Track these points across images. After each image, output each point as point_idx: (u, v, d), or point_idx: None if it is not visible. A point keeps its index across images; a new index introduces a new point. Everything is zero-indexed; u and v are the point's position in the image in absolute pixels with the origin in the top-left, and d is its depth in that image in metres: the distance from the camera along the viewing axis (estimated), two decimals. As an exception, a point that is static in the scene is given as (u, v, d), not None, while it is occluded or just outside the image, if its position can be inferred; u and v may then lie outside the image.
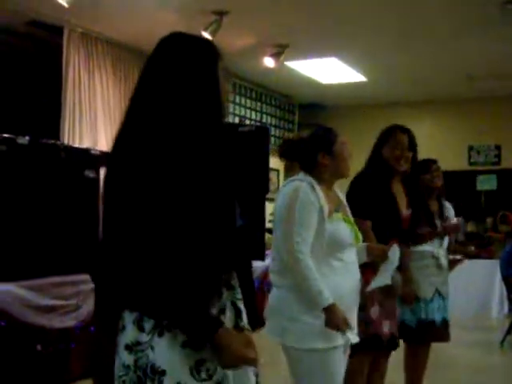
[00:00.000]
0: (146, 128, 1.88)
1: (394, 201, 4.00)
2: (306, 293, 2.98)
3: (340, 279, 3.07)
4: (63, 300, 5.41)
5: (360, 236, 3.27)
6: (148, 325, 1.82)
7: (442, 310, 4.59)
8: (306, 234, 3.00)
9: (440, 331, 4.58)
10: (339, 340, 3.04)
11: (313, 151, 3.22)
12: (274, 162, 10.52)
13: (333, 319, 2.94)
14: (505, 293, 8.33)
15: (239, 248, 2.04)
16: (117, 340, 1.93)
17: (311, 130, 3.35)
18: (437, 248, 4.62)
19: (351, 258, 3.18)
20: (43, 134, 6.18)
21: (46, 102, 7.92)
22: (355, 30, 7.93)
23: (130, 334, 1.85)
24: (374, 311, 3.77)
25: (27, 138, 5.55)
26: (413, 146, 4.08)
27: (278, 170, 11.35)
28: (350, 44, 8.53)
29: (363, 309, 3.67)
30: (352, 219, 3.29)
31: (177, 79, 1.92)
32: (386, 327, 3.84)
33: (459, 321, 8.96)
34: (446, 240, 4.73)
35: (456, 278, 9.66)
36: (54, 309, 5.33)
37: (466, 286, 9.69)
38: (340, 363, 3.11)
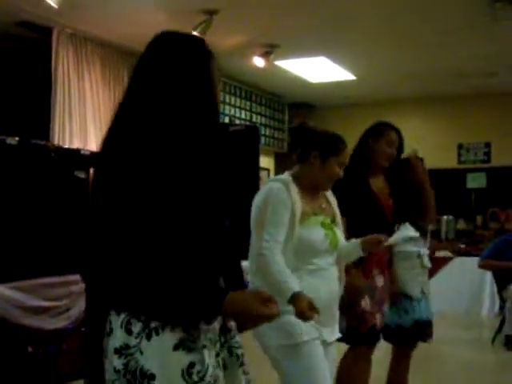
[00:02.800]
0: (139, 129, 1.86)
1: (374, 195, 3.97)
2: (274, 286, 2.86)
3: (315, 282, 3.02)
4: (54, 301, 5.40)
5: (339, 243, 3.18)
6: (136, 328, 1.81)
7: (427, 309, 4.54)
8: (275, 232, 2.95)
9: (429, 330, 4.54)
10: (313, 333, 3.01)
11: (311, 145, 3.16)
12: (264, 161, 10.54)
13: (298, 306, 2.81)
14: (495, 290, 8.35)
15: (226, 248, 2.04)
16: (104, 343, 1.92)
17: (326, 129, 3.29)
18: (422, 247, 4.60)
19: (327, 264, 3.11)
20: (33, 134, 6.15)
21: (35, 103, 7.89)
22: (344, 29, 7.94)
23: (118, 338, 1.84)
24: (366, 303, 3.79)
25: (17, 138, 5.53)
26: (400, 145, 4.14)
27: (268, 169, 11.36)
28: (339, 43, 8.54)
29: (353, 305, 3.70)
30: (338, 224, 3.22)
31: (170, 80, 1.91)
32: (378, 320, 3.87)
33: (450, 318, 9.01)
34: (429, 238, 4.72)
35: (446, 275, 9.82)
36: (44, 310, 5.31)
37: (457, 284, 9.73)
38: (320, 356, 3.03)
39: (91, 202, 1.89)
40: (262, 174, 9.98)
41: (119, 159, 1.84)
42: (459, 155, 11.80)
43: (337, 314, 3.23)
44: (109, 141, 1.92)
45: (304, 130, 3.25)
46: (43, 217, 5.59)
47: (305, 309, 2.80)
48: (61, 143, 7.39)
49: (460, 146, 11.78)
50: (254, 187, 7.96)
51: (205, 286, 1.82)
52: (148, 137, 1.84)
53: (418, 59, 9.28)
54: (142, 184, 1.79)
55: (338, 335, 3.23)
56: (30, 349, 5.16)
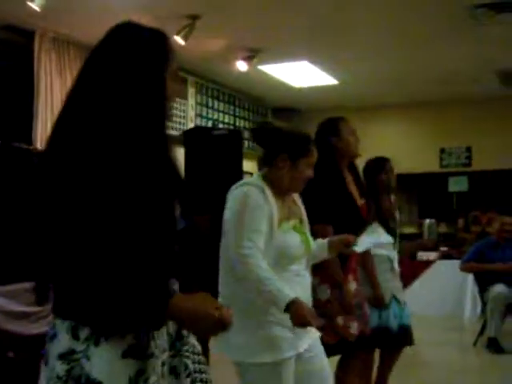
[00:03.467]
0: (82, 127, 1.75)
1: (351, 197, 3.93)
2: (265, 294, 2.73)
3: (294, 289, 2.82)
4: (36, 306, 5.37)
5: (312, 247, 3.07)
6: (83, 333, 1.72)
7: (399, 317, 4.47)
8: (256, 238, 2.77)
9: (396, 338, 4.46)
10: (289, 351, 2.85)
11: (278, 147, 2.98)
12: (248, 166, 10.54)
13: (299, 314, 2.67)
14: (477, 293, 8.41)
15: (182, 252, 1.92)
16: (45, 348, 1.82)
17: (293, 129, 3.13)
18: (391, 251, 4.58)
19: (301, 270, 2.98)
20: (15, 138, 6.12)
21: (18, 106, 7.85)
22: (326, 34, 7.96)
23: (62, 343, 1.74)
24: (341, 319, 3.73)
25: (-1, 142, 5.52)
26: None
27: (251, 174, 11.36)
28: (321, 47, 8.56)
29: (330, 318, 3.65)
30: (306, 227, 3.08)
31: (118, 74, 1.80)
32: (354, 329, 3.77)
33: (432, 321, 9.06)
34: (397, 241, 4.70)
35: (428, 278, 9.88)
36: (26, 315, 5.28)
37: (439, 287, 9.79)
38: (290, 376, 2.87)
39: (34, 205, 1.82)
40: (246, 178, 9.98)
41: (63, 159, 1.75)
42: (441, 159, 11.86)
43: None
44: (53, 138, 1.84)
45: (268, 130, 3.08)
46: (25, 221, 5.55)
47: (308, 317, 2.68)
48: (43, 147, 7.36)
49: (442, 151, 11.83)
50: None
51: (149, 290, 1.71)
52: (94, 135, 1.74)
53: (401, 64, 9.32)
54: (86, 186, 1.69)
55: (307, 345, 3.00)
56: (11, 354, 5.12)
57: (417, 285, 9.58)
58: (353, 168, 4.11)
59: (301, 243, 2.97)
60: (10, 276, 5.32)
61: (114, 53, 1.84)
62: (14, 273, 5.37)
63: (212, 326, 1.73)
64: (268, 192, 2.89)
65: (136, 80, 1.81)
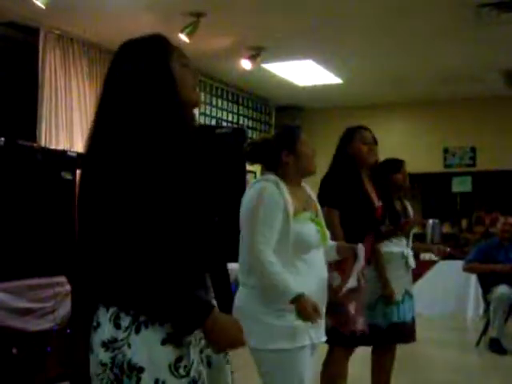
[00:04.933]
0: (114, 131, 1.91)
1: (366, 192, 4.10)
2: (273, 288, 2.95)
3: (303, 280, 3.00)
4: (39, 302, 5.37)
5: (328, 237, 3.26)
6: (124, 322, 1.84)
7: (411, 309, 4.58)
8: (269, 233, 2.97)
9: (410, 331, 4.56)
10: (305, 340, 3.02)
11: (276, 150, 3.21)
12: (251, 164, 10.54)
13: (303, 309, 2.88)
14: (480, 293, 8.40)
15: (213, 247, 2.07)
16: (90, 339, 1.93)
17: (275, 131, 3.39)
18: (405, 248, 4.63)
19: (316, 259, 3.14)
20: (19, 135, 6.12)
21: (22, 104, 7.86)
22: (331, 32, 7.97)
23: (106, 332, 1.86)
24: (352, 307, 3.82)
25: (3, 139, 5.51)
26: (375, 141, 4.25)
27: (254, 172, 11.36)
28: (326, 46, 8.57)
29: (342, 304, 3.73)
30: (321, 219, 3.27)
31: (132, 84, 1.96)
32: (360, 324, 3.88)
33: (435, 321, 9.05)
34: (411, 239, 4.76)
35: (432, 278, 9.86)
36: (30, 311, 5.29)
37: (442, 287, 9.78)
38: (306, 363, 3.05)
39: (79, 202, 1.92)
40: (249, 176, 9.98)
41: (105, 160, 1.88)
42: (445, 159, 11.85)
43: (324, 312, 3.22)
44: (92, 143, 1.97)
45: (259, 145, 3.31)
46: (29, 218, 5.56)
47: (311, 312, 2.87)
48: (47, 144, 7.37)
49: (446, 151, 11.83)
50: (241, 190, 7.94)
51: (191, 293, 1.85)
52: (124, 140, 1.89)
53: (405, 63, 9.32)
54: (130, 180, 1.83)
55: (324, 338, 3.22)
56: (14, 351, 5.13)
57: (420, 284, 9.54)
58: (371, 175, 4.29)
59: (316, 233, 3.13)
60: (14, 272, 5.33)
61: (120, 66, 2.02)
62: (18, 269, 5.38)
63: (235, 345, 1.92)
64: (282, 185, 3.08)
65: (147, 84, 1.97)
